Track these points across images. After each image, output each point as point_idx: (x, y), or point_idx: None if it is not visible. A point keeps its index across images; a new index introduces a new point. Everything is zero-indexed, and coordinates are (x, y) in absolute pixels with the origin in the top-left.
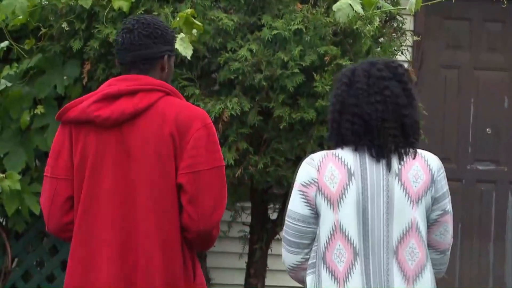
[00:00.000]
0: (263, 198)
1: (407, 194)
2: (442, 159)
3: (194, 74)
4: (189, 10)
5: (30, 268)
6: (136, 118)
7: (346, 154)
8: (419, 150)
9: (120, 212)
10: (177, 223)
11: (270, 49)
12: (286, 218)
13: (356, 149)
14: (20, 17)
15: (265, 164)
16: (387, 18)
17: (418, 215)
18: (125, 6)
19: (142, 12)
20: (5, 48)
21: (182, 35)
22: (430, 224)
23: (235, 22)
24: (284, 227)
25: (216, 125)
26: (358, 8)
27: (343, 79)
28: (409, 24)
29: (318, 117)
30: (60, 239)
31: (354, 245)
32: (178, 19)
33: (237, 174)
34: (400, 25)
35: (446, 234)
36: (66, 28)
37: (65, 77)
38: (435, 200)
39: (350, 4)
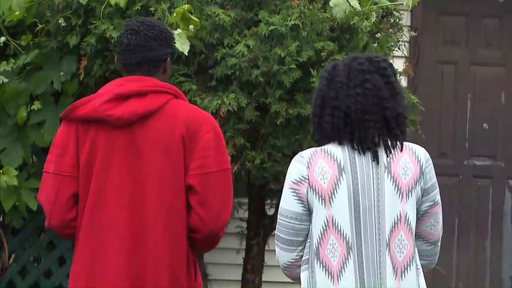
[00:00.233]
0: (260, 193)
1: (397, 187)
2: (439, 155)
3: (191, 70)
4: (186, 6)
5: (27, 264)
6: (147, 119)
7: (335, 149)
8: (406, 143)
9: (129, 211)
10: (185, 224)
11: (267, 45)
12: (279, 217)
13: (339, 143)
14: (17, 12)
15: (262, 159)
16: (384, 14)
17: (407, 208)
18: (122, 2)
19: (139, 7)
20: (1, 44)
21: (179, 30)
22: (421, 215)
23: (232, 18)
24: (277, 226)
25: None
26: (355, 3)
27: (324, 74)
28: (406, 19)
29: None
30: (61, 235)
31: (347, 240)
32: (175, 14)
33: (234, 170)
34: (397, 20)
35: (437, 225)
36: (63, 24)
37: (62, 73)
38: (424, 191)
39: (347, 0)
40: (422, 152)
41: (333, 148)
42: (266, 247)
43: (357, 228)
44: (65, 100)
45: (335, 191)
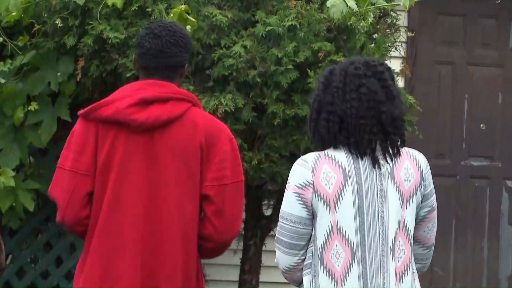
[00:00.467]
0: (257, 194)
1: (399, 193)
2: (436, 155)
3: (188, 71)
4: (183, 6)
5: (24, 264)
6: (168, 125)
7: (338, 154)
8: (406, 148)
9: (145, 215)
10: (197, 230)
11: (264, 46)
12: (281, 220)
13: (336, 147)
14: (14, 13)
15: (259, 160)
16: (381, 14)
17: (407, 214)
18: (119, 3)
19: (136, 8)
20: None
21: None
22: (419, 220)
23: (229, 18)
24: (279, 229)
25: None
26: (352, 4)
27: (321, 79)
28: (403, 20)
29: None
30: (72, 232)
31: (352, 245)
32: (172, 15)
33: None
34: (394, 21)
35: (433, 230)
36: (60, 25)
37: (59, 74)
38: (424, 197)
39: (344, 0)
40: (421, 158)
41: (335, 153)
42: (264, 248)
43: (362, 234)
44: (62, 101)
45: (340, 196)
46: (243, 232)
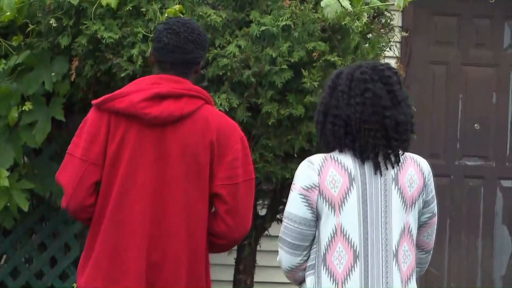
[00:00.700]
0: None
1: (403, 199)
2: (431, 155)
3: None
4: (177, 6)
5: (18, 265)
6: (180, 121)
7: (344, 158)
8: (410, 154)
9: (151, 210)
10: (205, 227)
11: (258, 45)
12: (286, 221)
13: (341, 151)
14: (8, 13)
15: (254, 160)
16: (375, 14)
17: (410, 219)
18: (113, 3)
19: (130, 8)
20: None
21: None
22: (420, 226)
23: (223, 18)
24: (283, 229)
25: None
26: (346, 4)
27: (328, 83)
28: (397, 20)
29: (307, 113)
30: (76, 218)
31: (355, 248)
32: (166, 15)
33: None
34: (388, 21)
35: (433, 235)
36: (54, 25)
37: (53, 74)
38: (425, 203)
39: (338, 0)
40: (425, 164)
41: (341, 157)
42: (258, 248)
43: (365, 238)
44: (56, 101)
45: (345, 200)
46: None
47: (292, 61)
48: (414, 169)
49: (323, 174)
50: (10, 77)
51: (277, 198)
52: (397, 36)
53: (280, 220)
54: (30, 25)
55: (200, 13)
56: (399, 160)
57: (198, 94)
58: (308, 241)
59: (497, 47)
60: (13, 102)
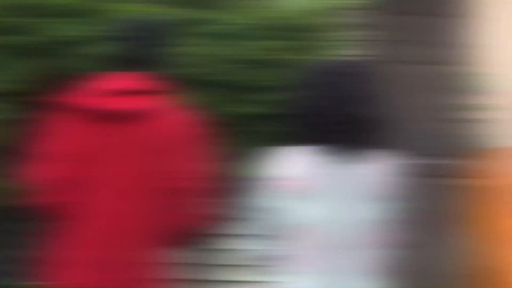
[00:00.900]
0: None
1: (367, 192)
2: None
3: None
4: (134, 6)
5: None
6: (140, 117)
7: (310, 150)
8: (376, 148)
9: (113, 205)
10: (163, 220)
11: (217, 44)
12: (251, 212)
13: (309, 144)
14: None
15: (214, 155)
16: (334, 12)
17: (374, 214)
18: (72, 1)
19: (88, 7)
20: None
21: None
22: (381, 221)
23: (181, 17)
24: (248, 221)
25: None
26: (307, 2)
27: (298, 76)
28: (356, 18)
29: (265, 112)
30: (46, 215)
31: (319, 240)
32: (124, 14)
33: None
34: (347, 19)
35: (394, 231)
36: (14, 24)
37: (11, 72)
38: (387, 199)
39: None
40: (390, 159)
41: (308, 149)
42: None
43: (330, 229)
44: (14, 99)
45: (311, 191)
46: None
47: (251, 59)
48: (378, 163)
49: (290, 165)
50: None
51: (234, 194)
52: (356, 34)
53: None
54: None
55: (159, 12)
56: (366, 155)
57: (160, 89)
58: (274, 231)
59: (433, 45)
60: None
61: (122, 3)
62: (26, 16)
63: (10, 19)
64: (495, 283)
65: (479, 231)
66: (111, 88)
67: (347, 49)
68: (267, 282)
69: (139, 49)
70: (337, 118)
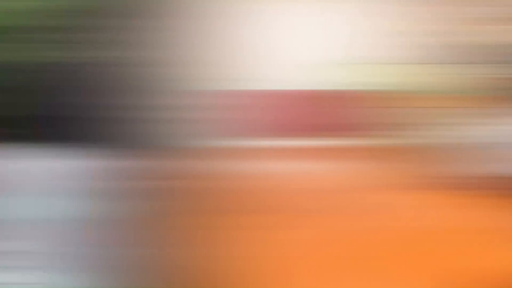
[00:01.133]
0: None
1: (63, 189)
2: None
3: None
4: None
5: None
6: None
7: (15, 147)
8: (74, 146)
9: None
10: None
11: None
12: None
13: (14, 141)
14: None
15: None
16: (55, 14)
17: (73, 211)
18: None
19: None
20: None
21: None
22: (83, 219)
23: None
24: None
25: None
26: (22, 2)
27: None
28: (78, 20)
29: None
30: None
31: (35, 237)
32: None
33: None
34: (71, 20)
35: (99, 230)
36: None
37: None
38: (86, 196)
39: None
40: (84, 156)
41: (15, 146)
42: None
43: (38, 226)
44: None
45: (15, 188)
46: None
47: None
48: (74, 162)
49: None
50: None
51: None
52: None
53: None
54: None
55: None
56: (63, 152)
57: None
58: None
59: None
60: None
61: None
62: None
63: None
64: (200, 280)
65: (180, 232)
66: None
67: (64, 51)
68: None
69: None
70: (33, 116)
